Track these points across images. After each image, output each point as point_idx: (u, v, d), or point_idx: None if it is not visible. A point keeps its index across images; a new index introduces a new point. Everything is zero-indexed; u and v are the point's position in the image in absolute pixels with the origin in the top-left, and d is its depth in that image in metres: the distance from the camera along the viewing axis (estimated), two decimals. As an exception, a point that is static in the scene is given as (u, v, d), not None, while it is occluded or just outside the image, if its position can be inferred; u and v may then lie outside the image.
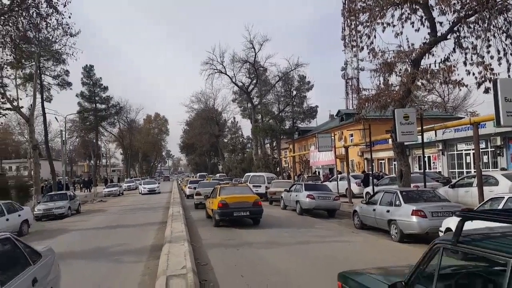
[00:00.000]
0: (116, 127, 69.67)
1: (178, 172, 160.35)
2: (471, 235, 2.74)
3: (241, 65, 47.93)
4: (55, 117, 78.88)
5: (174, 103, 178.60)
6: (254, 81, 49.43)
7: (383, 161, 32.37)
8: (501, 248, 2.36)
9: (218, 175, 51.98)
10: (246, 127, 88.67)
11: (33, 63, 27.87)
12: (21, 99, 23.16)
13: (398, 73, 13.46)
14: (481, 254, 2.45)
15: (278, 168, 44.35)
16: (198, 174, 55.94)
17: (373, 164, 26.15)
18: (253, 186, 25.31)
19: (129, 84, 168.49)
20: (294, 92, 47.98)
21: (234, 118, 71.11)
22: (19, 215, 15.14)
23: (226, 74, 48.72)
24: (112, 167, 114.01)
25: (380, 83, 13.66)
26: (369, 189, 19.72)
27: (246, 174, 30.26)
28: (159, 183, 40.01)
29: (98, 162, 66.81)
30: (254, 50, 46.41)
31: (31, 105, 26.39)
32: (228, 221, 14.06)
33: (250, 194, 14.44)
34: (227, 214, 13.55)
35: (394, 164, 28.39)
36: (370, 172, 22.87)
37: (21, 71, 29.60)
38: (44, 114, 35.02)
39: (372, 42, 13.18)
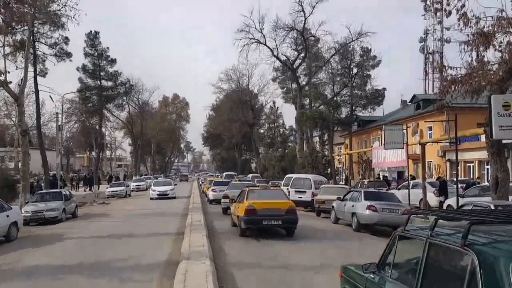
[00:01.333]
0: (125, 111, 71.34)
1: (199, 170, 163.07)
2: (416, 226, 4.70)
3: (285, 34, 47.86)
4: (50, 96, 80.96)
5: (197, 84, 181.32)
6: (302, 55, 49.16)
7: (471, 164, 31.53)
8: (421, 233, 4.26)
9: (250, 175, 52.78)
10: (289, 115, 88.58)
11: (26, 28, 28.15)
12: (9, 72, 24.00)
13: (497, 47, 12.97)
14: (414, 237, 4.42)
15: (329, 169, 44.09)
16: (224, 174, 56.72)
17: (458, 167, 25.48)
18: (295, 191, 26.05)
19: (142, 61, 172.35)
20: (355, 70, 47.16)
21: (273, 102, 71.25)
22: (7, 216, 15.69)
23: (265, 45, 48.90)
24: (118, 161, 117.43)
25: (472, 60, 13.21)
26: (451, 201, 19.33)
27: (287, 176, 30.66)
28: (175, 184, 40.54)
29: (101, 154, 68.87)
30: (304, 14, 46.22)
31: (21, 80, 26.65)
32: (256, 231, 15.13)
33: (284, 200, 15.82)
34: (254, 222, 14.92)
35: (487, 169, 27.94)
36: (453, 179, 22.26)
37: (11, 38, 30.52)
38: (36, 92, 36.28)
39: (463, 5, 12.71)
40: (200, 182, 61.71)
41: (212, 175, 75.35)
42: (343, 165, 53.61)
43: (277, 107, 70.04)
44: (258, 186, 19.99)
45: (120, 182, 48.33)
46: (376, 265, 5.01)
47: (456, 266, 3.65)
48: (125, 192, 42.15)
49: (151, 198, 35.82)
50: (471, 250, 3.39)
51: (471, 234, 3.54)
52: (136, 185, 52.55)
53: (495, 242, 3.56)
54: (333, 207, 20.13)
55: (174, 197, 36.31)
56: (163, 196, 36.00)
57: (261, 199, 15.50)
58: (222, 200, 23.69)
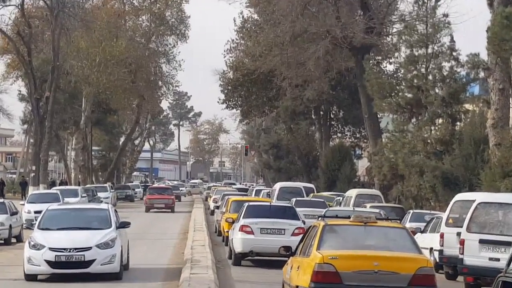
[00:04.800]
0: (11, 3, 71.98)
1: (212, 176, 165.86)
2: None
3: None
4: None
5: None
6: None
7: None
8: None
9: (353, 192, 53.93)
10: (470, 25, 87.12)
11: None
12: None
13: None
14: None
15: None
16: (278, 186, 58.94)
17: None
18: (482, 242, 26.45)
19: None
20: None
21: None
22: None
23: None
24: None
25: None
26: None
27: (459, 196, 31.51)
28: (122, 224, 36.92)
29: None
30: None
31: None
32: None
33: (408, 253, 17.16)
34: None
35: None
36: None
37: None
38: None
39: None
40: (212, 206, 65.73)
41: (246, 190, 76.08)
42: None
43: (438, 1, 68.85)
44: (350, 217, 20.00)
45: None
46: None
47: None
48: (8, 230, 43.22)
49: (28, 276, 33.68)
50: None
51: None
52: (35, 213, 52.83)
53: None
54: None
55: (117, 275, 33.89)
56: (71, 266, 33.88)
57: (351, 246, 17.02)
58: None
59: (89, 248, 30.47)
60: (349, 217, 19.53)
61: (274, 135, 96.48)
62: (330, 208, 34.18)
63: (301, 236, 22.26)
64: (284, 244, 22.31)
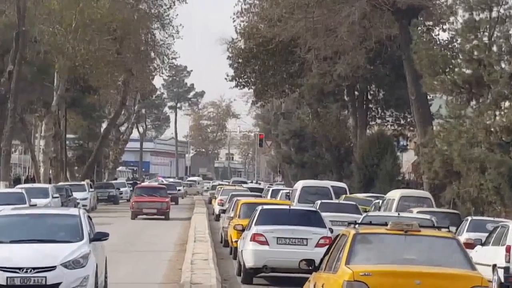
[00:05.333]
0: None
1: (217, 171, 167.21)
2: None
3: None
4: None
5: None
6: None
7: None
8: None
9: (396, 194, 53.78)
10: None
11: None
12: None
13: None
14: None
15: None
16: (300, 184, 59.39)
17: None
18: None
19: None
20: None
21: None
22: None
23: None
24: None
25: None
26: None
27: None
28: (96, 236, 37.13)
29: None
30: None
31: None
32: None
33: (457, 270, 16.86)
34: None
35: None
36: None
37: None
38: None
39: None
40: (217, 210, 67.71)
41: (260, 191, 77.01)
42: None
43: None
44: (387, 224, 19.85)
45: None
46: None
47: None
48: None
49: None
50: None
51: None
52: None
53: None
54: None
55: None
56: None
57: (388, 260, 16.72)
58: None
59: (53, 268, 27.96)
60: (386, 224, 19.51)
61: (296, 121, 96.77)
62: (369, 214, 34.00)
63: (326, 247, 22.13)
64: (305, 257, 22.49)
